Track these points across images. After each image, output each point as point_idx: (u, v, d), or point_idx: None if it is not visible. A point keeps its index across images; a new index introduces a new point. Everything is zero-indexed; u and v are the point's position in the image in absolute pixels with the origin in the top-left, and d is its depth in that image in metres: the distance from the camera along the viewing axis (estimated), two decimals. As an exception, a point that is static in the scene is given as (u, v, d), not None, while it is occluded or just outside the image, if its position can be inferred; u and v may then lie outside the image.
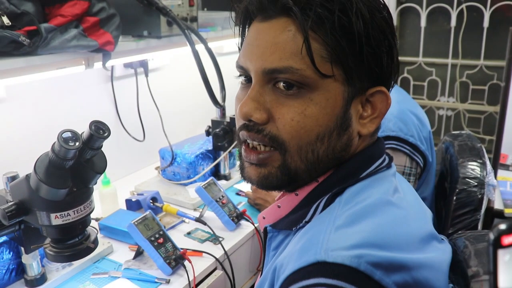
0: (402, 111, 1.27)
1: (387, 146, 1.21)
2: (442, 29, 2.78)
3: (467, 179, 1.23)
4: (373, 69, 0.63)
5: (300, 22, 0.60)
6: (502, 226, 0.32)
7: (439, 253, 0.64)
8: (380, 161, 0.69)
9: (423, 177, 1.29)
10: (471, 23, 2.67)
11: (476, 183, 1.21)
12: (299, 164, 0.63)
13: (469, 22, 2.66)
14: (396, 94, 1.35)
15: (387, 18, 0.65)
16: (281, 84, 0.62)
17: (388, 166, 0.70)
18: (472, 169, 1.25)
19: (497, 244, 0.32)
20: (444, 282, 0.62)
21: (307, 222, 0.65)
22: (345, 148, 0.65)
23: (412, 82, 2.96)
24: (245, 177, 0.68)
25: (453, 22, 2.68)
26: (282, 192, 0.74)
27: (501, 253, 0.32)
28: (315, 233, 0.59)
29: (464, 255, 0.70)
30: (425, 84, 2.93)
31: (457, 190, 1.22)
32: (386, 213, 0.60)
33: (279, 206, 0.72)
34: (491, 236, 0.32)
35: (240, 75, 0.70)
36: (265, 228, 0.74)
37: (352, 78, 0.62)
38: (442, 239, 0.71)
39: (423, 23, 2.78)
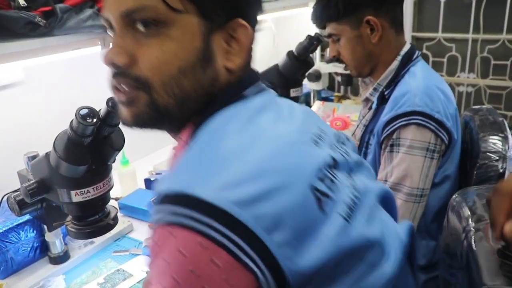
0: (429, 86, 1.24)
1: (412, 121, 1.19)
2: (462, 3, 2.71)
3: (488, 153, 1.20)
4: (227, 2, 0.64)
5: None
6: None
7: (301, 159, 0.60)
8: (250, 89, 0.69)
9: (447, 154, 1.27)
10: (493, -4, 2.60)
11: (497, 157, 1.18)
12: (167, 99, 0.64)
13: (491, -5, 2.59)
14: (423, 69, 1.33)
15: None
16: (139, 25, 0.63)
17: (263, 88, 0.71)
18: (494, 143, 1.22)
19: None
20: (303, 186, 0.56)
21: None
22: (213, 83, 0.66)
23: (431, 59, 2.91)
24: (122, 120, 0.69)
25: (474, -5, 2.61)
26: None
27: None
28: (179, 164, 0.59)
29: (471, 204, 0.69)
30: (445, 60, 2.87)
31: (478, 164, 1.19)
32: (245, 138, 0.59)
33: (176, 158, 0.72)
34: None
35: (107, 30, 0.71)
36: None
37: (207, 12, 0.63)
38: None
39: (442, -3, 2.71)
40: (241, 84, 0.68)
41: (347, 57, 1.35)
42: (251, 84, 0.69)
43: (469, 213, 0.69)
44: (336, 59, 1.39)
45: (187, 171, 0.56)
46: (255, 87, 0.69)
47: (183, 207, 0.50)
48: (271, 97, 0.71)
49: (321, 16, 1.35)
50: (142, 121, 0.67)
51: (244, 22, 0.65)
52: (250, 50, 0.68)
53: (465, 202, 0.71)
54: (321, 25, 1.39)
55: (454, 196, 0.75)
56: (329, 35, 1.37)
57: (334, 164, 0.63)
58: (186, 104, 0.65)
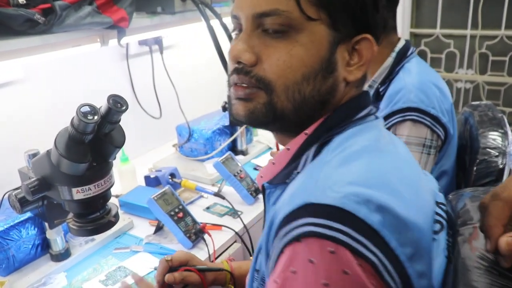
0: (424, 82, 1.25)
1: (408, 117, 1.20)
2: (460, -1, 2.72)
3: (487, 149, 1.20)
4: (358, 16, 0.65)
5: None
6: None
7: (424, 197, 0.65)
8: (366, 111, 0.70)
9: (444, 150, 1.28)
10: (492, -8, 2.60)
11: (497, 153, 1.19)
12: (286, 103, 0.66)
13: (489, -9, 2.59)
14: (418, 65, 1.33)
15: None
16: (269, 27, 0.65)
17: (375, 116, 0.71)
18: (493, 139, 1.22)
19: None
20: (427, 227, 0.61)
21: (299, 173, 0.68)
22: (330, 92, 0.67)
23: (429, 55, 2.91)
24: (233, 114, 0.71)
25: (473, -9, 2.61)
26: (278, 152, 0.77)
27: None
28: (304, 179, 0.62)
29: (459, 209, 0.70)
30: (443, 56, 2.88)
31: (478, 160, 1.20)
32: (373, 157, 0.62)
33: (273, 163, 0.74)
34: None
35: (233, 30, 0.73)
36: (263, 186, 0.77)
37: (337, 23, 0.64)
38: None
39: (441, -7, 2.71)
40: (357, 103, 0.70)
41: None
42: (365, 107, 0.70)
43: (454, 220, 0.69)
44: None
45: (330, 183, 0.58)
46: (367, 108, 0.70)
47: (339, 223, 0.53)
48: (379, 124, 0.71)
49: None
50: (255, 119, 0.68)
51: (370, 37, 0.66)
52: (369, 66, 0.69)
53: (455, 204, 0.71)
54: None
55: (448, 197, 0.75)
56: None
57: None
58: (302, 110, 0.67)
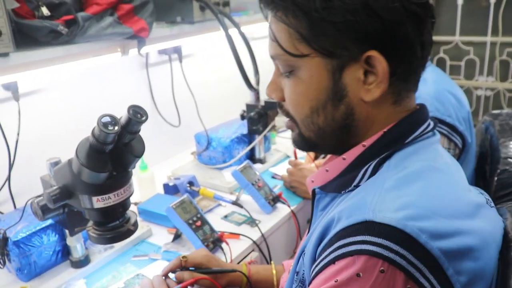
0: (439, 91, 1.24)
1: None
2: (480, 6, 2.68)
3: (509, 159, 1.19)
4: (354, 38, 0.63)
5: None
6: None
7: (489, 221, 0.65)
8: (425, 126, 0.70)
9: (461, 159, 1.26)
10: (512, -2, 2.56)
11: (519, 163, 1.17)
12: (308, 133, 0.72)
13: (510, -3, 2.56)
14: (433, 73, 1.32)
15: None
16: (280, 69, 0.72)
17: (433, 131, 0.72)
18: (515, 149, 1.21)
19: None
20: (494, 252, 0.62)
21: (356, 186, 0.68)
22: (348, 116, 0.69)
23: (448, 62, 2.88)
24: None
25: (493, -2, 2.58)
26: (329, 157, 0.80)
27: None
28: (365, 194, 0.62)
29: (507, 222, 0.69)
30: (462, 63, 2.85)
31: (499, 170, 1.18)
32: (434, 179, 0.63)
33: (327, 170, 0.76)
34: None
35: None
36: (313, 190, 0.78)
37: (332, 50, 0.65)
38: (492, 206, 0.71)
39: (460, 0, 2.68)
40: (415, 118, 0.70)
41: None
42: (424, 121, 0.71)
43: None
44: None
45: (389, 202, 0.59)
46: (428, 125, 0.71)
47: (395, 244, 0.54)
48: (436, 141, 0.72)
49: None
50: (298, 146, 0.77)
51: (375, 54, 0.64)
52: (394, 82, 0.66)
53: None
54: None
55: None
56: None
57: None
58: (324, 137, 0.71)
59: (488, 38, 2.70)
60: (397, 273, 0.53)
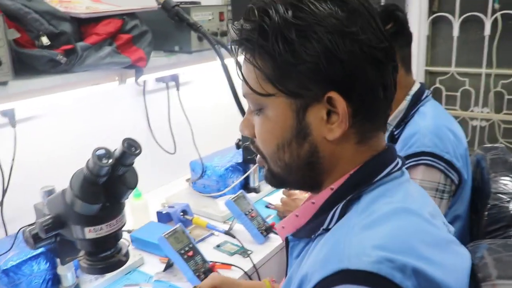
0: (438, 127, 1.25)
1: (421, 162, 1.20)
2: (475, 38, 2.73)
3: (499, 194, 1.20)
4: (316, 80, 0.65)
5: (231, 55, 0.72)
6: None
7: (459, 258, 0.67)
8: (392, 166, 0.71)
9: (457, 194, 1.27)
10: (506, 31, 2.61)
11: (508, 199, 1.18)
12: (276, 169, 0.74)
13: (504, 30, 2.61)
14: (433, 109, 1.34)
15: (334, 21, 0.64)
16: (251, 106, 0.74)
17: (401, 170, 0.72)
18: (505, 184, 1.22)
19: None
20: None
21: (326, 230, 0.69)
22: (312, 154, 0.70)
23: (444, 93, 2.91)
24: None
25: (487, 31, 2.63)
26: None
27: None
28: (335, 241, 0.63)
29: (477, 261, 0.69)
30: (458, 94, 2.88)
31: (489, 205, 1.19)
32: (403, 220, 0.64)
33: (297, 215, 0.76)
34: None
35: None
36: (286, 238, 0.78)
37: (296, 91, 0.67)
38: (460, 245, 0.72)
39: (455, 32, 2.73)
40: (382, 160, 0.71)
41: None
42: (392, 161, 0.72)
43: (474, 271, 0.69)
44: None
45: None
46: (395, 165, 0.71)
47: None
48: (406, 181, 0.73)
49: None
50: (269, 182, 0.79)
51: (335, 95, 0.65)
52: (357, 122, 0.68)
53: (474, 256, 0.71)
54: None
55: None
56: None
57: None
58: (291, 173, 0.73)
59: (483, 70, 2.74)
60: None
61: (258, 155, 0.77)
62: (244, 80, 0.72)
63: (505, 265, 0.71)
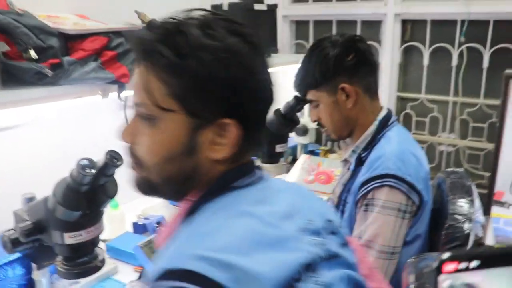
0: (402, 151, 1.32)
1: (385, 183, 1.27)
2: (444, 68, 2.86)
3: (455, 215, 1.28)
4: (216, 105, 0.72)
5: (137, 60, 0.74)
6: (444, 256, 0.40)
7: (292, 253, 0.70)
8: (240, 181, 0.77)
9: (418, 215, 1.34)
10: (472, 63, 2.75)
11: (464, 219, 1.27)
12: (155, 178, 0.76)
13: (469, 62, 2.75)
14: (398, 134, 1.41)
15: (241, 55, 0.71)
16: (142, 115, 0.75)
17: (263, 178, 0.80)
18: (461, 206, 1.31)
19: (438, 271, 0.39)
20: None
21: None
22: (194, 170, 0.75)
23: (414, 118, 3.04)
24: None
25: (455, 62, 2.77)
26: None
27: (441, 278, 0.39)
28: (169, 246, 0.70)
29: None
30: (427, 120, 3.00)
31: (446, 225, 1.27)
32: (234, 223, 0.69)
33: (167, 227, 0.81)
34: (434, 264, 0.39)
35: None
36: None
37: (194, 111, 0.71)
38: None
39: (425, 61, 2.86)
40: (228, 175, 0.76)
41: (326, 121, 1.46)
42: (243, 176, 0.77)
43: (413, 279, 0.74)
44: (317, 123, 1.50)
45: (182, 248, 0.66)
46: (248, 178, 0.77)
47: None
48: (263, 188, 0.79)
49: (301, 84, 1.47)
50: (139, 189, 0.80)
51: (229, 121, 0.72)
52: (240, 144, 0.74)
53: (414, 267, 0.76)
54: (302, 93, 1.50)
55: (409, 260, 0.81)
56: (310, 101, 1.48)
57: (308, 266, 0.71)
58: (170, 185, 0.76)
59: (450, 98, 2.87)
60: None
61: (131, 160, 0.79)
62: (147, 90, 0.72)
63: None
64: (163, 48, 0.70)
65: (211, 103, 0.71)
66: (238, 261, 0.62)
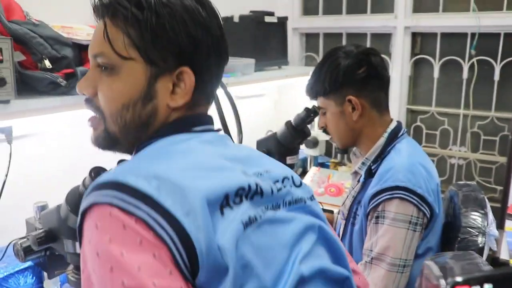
0: (413, 163, 1.32)
1: (396, 195, 1.26)
2: (454, 81, 2.86)
3: (468, 228, 1.27)
4: (174, 54, 0.77)
5: (97, 15, 0.80)
6: (458, 279, 0.39)
7: (218, 178, 0.71)
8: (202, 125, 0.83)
9: (430, 227, 1.33)
10: (482, 76, 2.74)
11: (477, 233, 1.26)
12: (114, 127, 0.81)
13: (480, 75, 2.74)
14: (408, 146, 1.41)
15: (196, 13, 0.78)
16: (101, 65, 0.79)
17: (216, 133, 0.85)
18: (474, 219, 1.30)
19: None
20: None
21: None
22: (151, 115, 0.80)
23: (424, 131, 3.03)
24: (91, 141, 0.86)
25: (465, 75, 2.76)
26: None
27: None
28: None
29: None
30: (437, 133, 2.99)
31: (459, 238, 1.26)
32: (171, 156, 0.74)
33: None
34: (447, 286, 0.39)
35: None
36: None
37: (151, 60, 0.77)
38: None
39: (436, 74, 2.86)
40: (187, 120, 0.81)
41: (331, 129, 1.47)
42: (199, 123, 0.82)
43: (440, 272, 0.74)
44: (324, 130, 1.51)
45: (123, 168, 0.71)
46: (205, 125, 0.83)
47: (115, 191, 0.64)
48: (222, 137, 0.85)
49: (311, 90, 1.49)
50: (100, 143, 0.84)
51: (188, 70, 0.78)
52: (193, 94, 0.80)
53: (436, 262, 0.75)
54: (312, 98, 1.53)
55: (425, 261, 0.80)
56: (319, 108, 1.50)
57: (249, 192, 0.74)
58: (128, 132, 0.81)
59: (461, 111, 2.86)
60: (119, 212, 0.62)
61: (94, 116, 0.83)
62: (108, 40, 0.77)
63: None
64: (123, 1, 0.76)
65: (169, 53, 0.77)
66: (168, 175, 0.66)
